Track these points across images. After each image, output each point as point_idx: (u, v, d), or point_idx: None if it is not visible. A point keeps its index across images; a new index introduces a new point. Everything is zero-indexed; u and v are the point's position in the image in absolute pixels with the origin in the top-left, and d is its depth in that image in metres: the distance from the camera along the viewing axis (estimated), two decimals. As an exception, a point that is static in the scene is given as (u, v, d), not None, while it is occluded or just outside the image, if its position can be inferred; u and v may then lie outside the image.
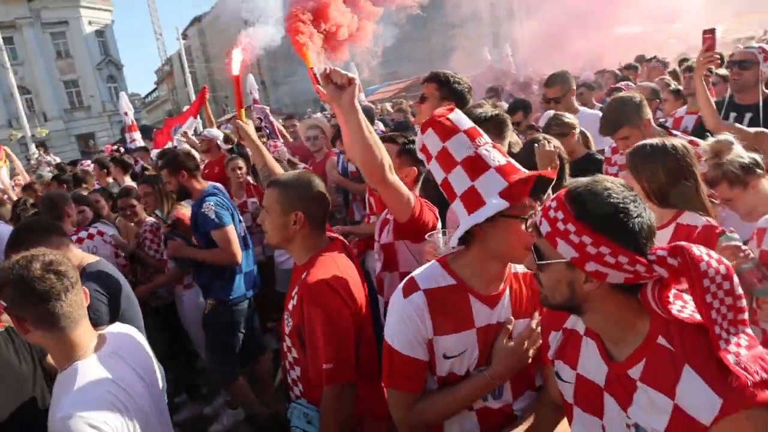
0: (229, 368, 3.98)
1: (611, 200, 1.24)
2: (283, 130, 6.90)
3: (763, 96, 3.70)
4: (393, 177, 2.27)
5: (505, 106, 5.20)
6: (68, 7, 40.40)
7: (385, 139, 2.54)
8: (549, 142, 3.08)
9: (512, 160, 1.68)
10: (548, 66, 14.92)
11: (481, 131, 1.72)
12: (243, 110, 3.15)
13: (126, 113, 12.91)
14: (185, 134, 7.45)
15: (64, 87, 40.83)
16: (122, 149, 8.56)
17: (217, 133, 6.65)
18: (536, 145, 2.99)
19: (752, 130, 3.22)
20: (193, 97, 31.10)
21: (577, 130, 3.81)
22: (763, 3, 18.51)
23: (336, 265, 2.13)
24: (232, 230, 3.82)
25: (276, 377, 4.81)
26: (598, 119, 4.72)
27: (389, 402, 1.76)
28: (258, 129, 7.35)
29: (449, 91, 3.07)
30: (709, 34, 3.29)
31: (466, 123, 1.74)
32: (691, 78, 4.52)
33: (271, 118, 6.66)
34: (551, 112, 5.00)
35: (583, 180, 1.32)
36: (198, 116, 8.90)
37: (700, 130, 3.72)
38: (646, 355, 1.28)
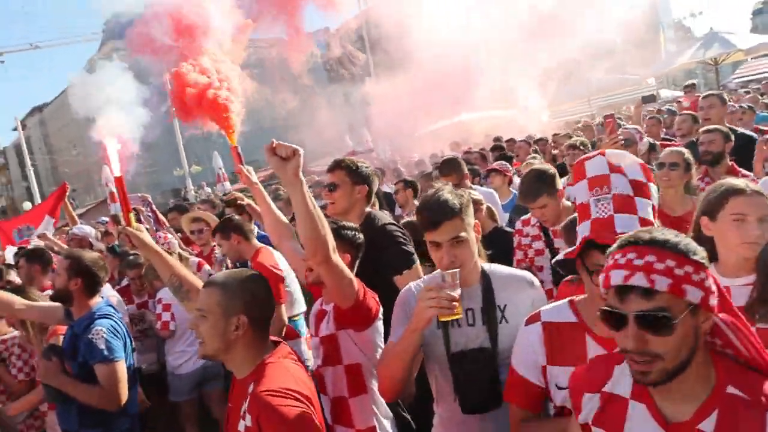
0: None
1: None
2: (165, 221, 6.40)
3: None
4: (337, 258, 2.15)
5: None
6: None
7: None
8: None
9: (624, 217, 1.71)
10: (407, 149, 15.98)
11: (607, 179, 1.76)
12: (132, 215, 2.70)
13: None
14: (44, 236, 6.62)
15: None
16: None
17: (89, 230, 6.04)
18: None
19: None
20: (36, 192, 28.30)
21: (485, 206, 4.02)
22: (573, 93, 22.03)
23: (288, 372, 1.92)
24: (122, 367, 3.03)
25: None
26: (491, 196, 5.05)
27: (509, 413, 1.92)
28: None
29: (359, 175, 3.18)
30: (610, 119, 3.73)
31: (594, 171, 1.80)
32: (575, 155, 5.01)
33: (154, 207, 6.18)
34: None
35: (640, 231, 1.33)
36: (56, 215, 7.98)
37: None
38: (718, 406, 1.25)
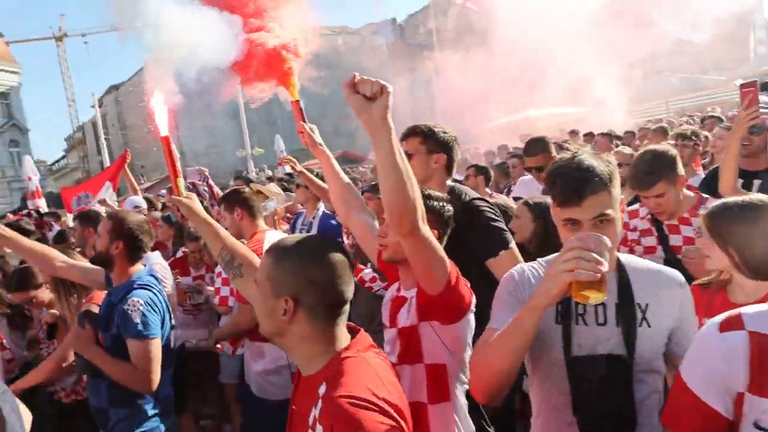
0: None
1: None
2: (221, 194, 6.23)
3: None
4: (427, 230, 1.74)
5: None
6: (-31, 67, 38.06)
7: None
8: None
9: None
10: (471, 141, 15.48)
11: None
12: (180, 180, 2.34)
13: (30, 178, 11.93)
14: (104, 201, 6.63)
15: (-42, 150, 37.73)
16: (34, 213, 7.35)
17: (140, 201, 5.90)
18: None
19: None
20: (108, 165, 29.48)
21: None
22: (650, 93, 20.62)
23: (372, 370, 1.46)
24: (157, 345, 2.74)
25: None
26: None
27: None
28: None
29: (435, 142, 2.76)
30: (750, 88, 3.03)
31: None
32: (685, 146, 4.38)
33: (211, 181, 6.00)
34: (528, 177, 4.72)
35: None
36: (115, 183, 8.08)
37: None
38: None
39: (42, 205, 11.19)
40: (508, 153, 7.62)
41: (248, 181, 6.50)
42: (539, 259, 1.79)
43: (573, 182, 1.57)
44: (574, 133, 9.86)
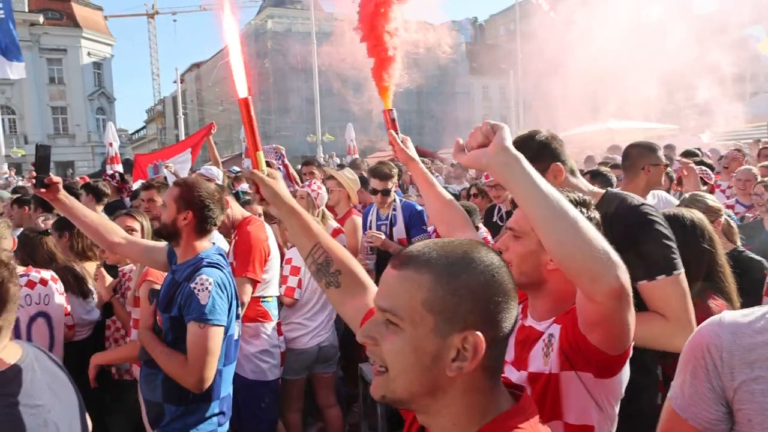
0: None
1: None
2: (297, 177, 5.98)
3: None
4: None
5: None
6: (70, 36, 40.36)
7: None
8: None
9: None
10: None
11: None
12: (260, 154, 1.72)
13: (111, 144, 12.45)
14: (170, 166, 6.51)
15: (51, 112, 40.20)
16: (117, 175, 7.42)
17: (217, 172, 5.62)
18: None
19: None
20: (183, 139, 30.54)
21: (723, 219, 3.01)
22: (750, 113, 18.92)
23: None
24: (218, 336, 2.37)
25: None
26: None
27: None
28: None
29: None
30: None
31: None
32: None
33: (287, 160, 5.73)
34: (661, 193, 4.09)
35: None
36: (195, 152, 8.05)
37: None
38: None
39: (119, 170, 11.56)
40: (596, 164, 7.03)
41: (319, 166, 6.26)
42: (755, 310, 1.24)
43: None
44: (668, 146, 9.06)
